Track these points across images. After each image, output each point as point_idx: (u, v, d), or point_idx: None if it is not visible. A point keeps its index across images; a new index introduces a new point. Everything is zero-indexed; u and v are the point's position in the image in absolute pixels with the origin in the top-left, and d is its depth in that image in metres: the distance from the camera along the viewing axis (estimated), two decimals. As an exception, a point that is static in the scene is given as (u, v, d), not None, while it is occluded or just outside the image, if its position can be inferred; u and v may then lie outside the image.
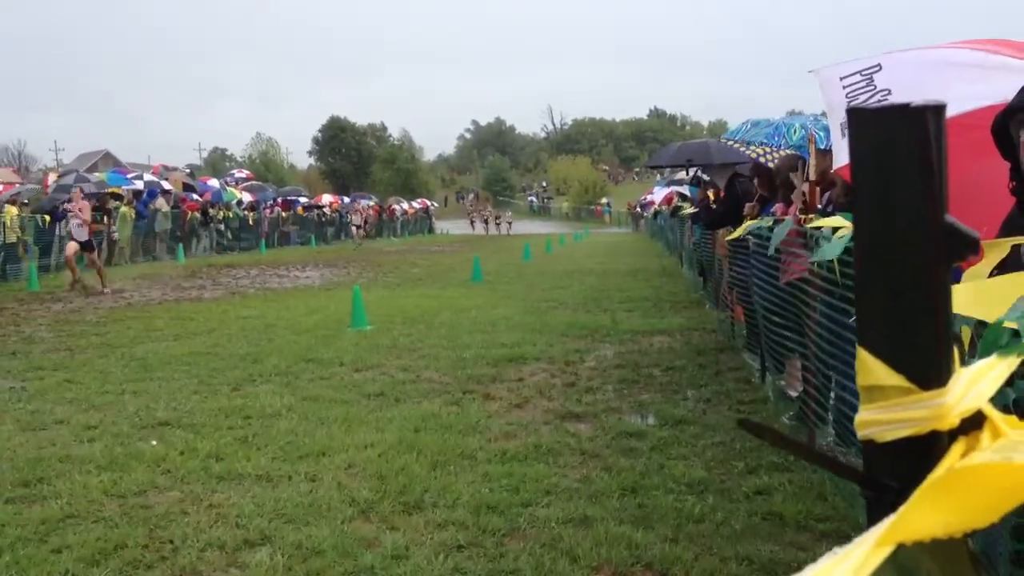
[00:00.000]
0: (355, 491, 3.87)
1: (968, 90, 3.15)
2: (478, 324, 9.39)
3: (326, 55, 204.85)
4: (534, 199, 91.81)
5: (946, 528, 0.45)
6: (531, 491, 3.84)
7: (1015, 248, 1.72)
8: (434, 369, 6.86)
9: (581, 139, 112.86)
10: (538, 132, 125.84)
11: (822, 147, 5.08)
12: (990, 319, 1.34)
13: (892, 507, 0.47)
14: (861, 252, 0.54)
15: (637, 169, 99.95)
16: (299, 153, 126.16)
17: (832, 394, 3.89)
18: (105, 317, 10.61)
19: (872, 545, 0.44)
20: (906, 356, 0.52)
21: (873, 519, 0.48)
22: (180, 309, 11.51)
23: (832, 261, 3.23)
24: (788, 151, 6.52)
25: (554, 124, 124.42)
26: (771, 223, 5.04)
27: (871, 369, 0.52)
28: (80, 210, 13.74)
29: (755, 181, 6.65)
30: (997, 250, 1.71)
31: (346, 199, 45.28)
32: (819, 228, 3.75)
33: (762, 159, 7.01)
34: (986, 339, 1.33)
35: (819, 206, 4.73)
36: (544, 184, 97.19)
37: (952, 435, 0.51)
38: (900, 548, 0.45)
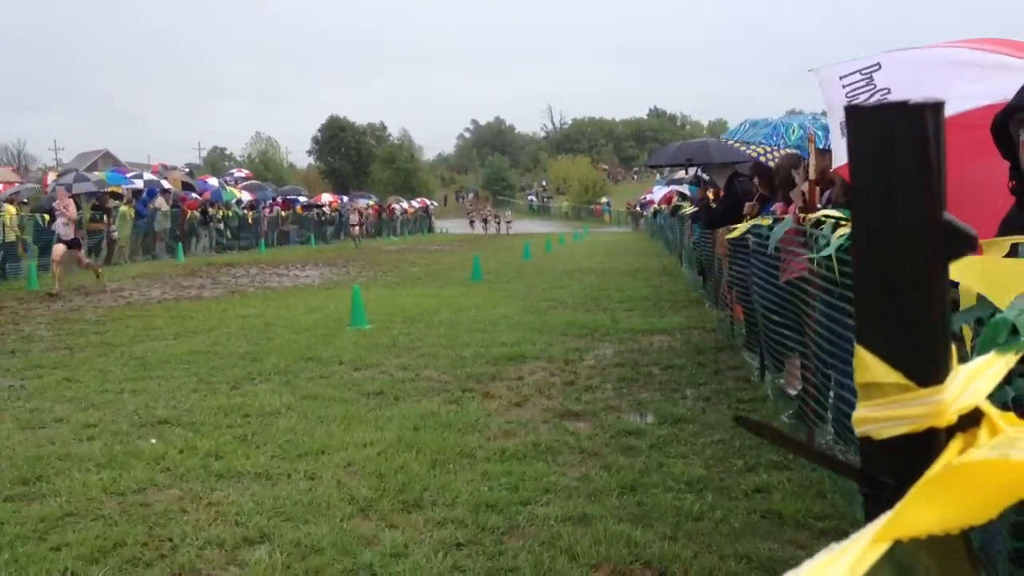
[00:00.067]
0: (354, 489, 3.87)
1: (967, 89, 3.15)
2: (478, 323, 9.39)
3: (326, 55, 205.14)
4: (534, 198, 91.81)
5: (943, 524, 0.45)
6: (530, 489, 3.85)
7: (1014, 247, 1.72)
8: (433, 368, 6.86)
9: (581, 139, 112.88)
10: (538, 132, 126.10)
11: (821, 146, 5.08)
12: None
13: (889, 504, 0.47)
14: (859, 249, 0.54)
15: (637, 168, 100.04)
16: (298, 152, 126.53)
17: (831, 393, 3.89)
18: (104, 316, 10.61)
19: (869, 541, 0.44)
20: (904, 353, 0.52)
21: (871, 516, 0.48)
22: (179, 308, 11.50)
23: (831, 259, 3.23)
24: (788, 151, 6.53)
25: (554, 124, 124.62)
26: (771, 222, 5.04)
27: (869, 366, 0.52)
28: (65, 207, 13.74)
29: (755, 180, 6.66)
30: (996, 249, 1.71)
31: (345, 198, 45.25)
32: (818, 227, 3.75)
33: (762, 158, 7.03)
34: (984, 336, 1.33)
35: (818, 205, 4.74)
36: (544, 183, 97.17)
37: (950, 432, 0.51)
38: (897, 544, 0.45)
